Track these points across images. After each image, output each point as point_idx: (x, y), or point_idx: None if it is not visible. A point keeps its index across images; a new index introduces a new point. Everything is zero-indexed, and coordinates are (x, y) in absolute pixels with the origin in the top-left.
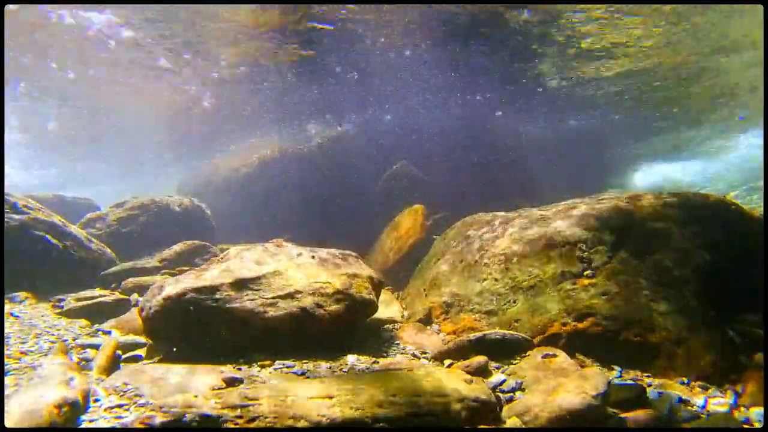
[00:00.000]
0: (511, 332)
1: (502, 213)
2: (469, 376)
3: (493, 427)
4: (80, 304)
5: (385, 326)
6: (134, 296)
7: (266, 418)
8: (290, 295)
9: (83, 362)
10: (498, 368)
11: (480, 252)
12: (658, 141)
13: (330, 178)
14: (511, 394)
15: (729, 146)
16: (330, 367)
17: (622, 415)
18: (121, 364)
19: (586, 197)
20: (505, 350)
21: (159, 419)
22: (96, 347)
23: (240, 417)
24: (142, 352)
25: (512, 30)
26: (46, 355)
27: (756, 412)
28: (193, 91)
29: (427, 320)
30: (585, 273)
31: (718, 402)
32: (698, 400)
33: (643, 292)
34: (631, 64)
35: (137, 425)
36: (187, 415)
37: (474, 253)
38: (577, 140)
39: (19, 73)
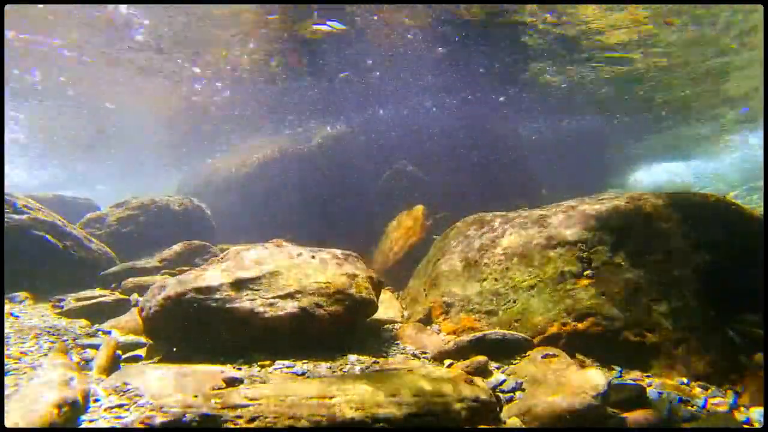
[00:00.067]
0: (511, 332)
1: (502, 213)
2: (469, 376)
3: (493, 427)
4: (80, 304)
5: (385, 326)
6: (134, 296)
7: (266, 418)
8: (290, 295)
9: (83, 362)
10: (498, 368)
11: (480, 252)
12: (658, 140)
13: (330, 178)
14: (511, 394)
15: (729, 146)
16: (330, 367)
17: (622, 415)
18: (121, 364)
19: (586, 197)
20: (505, 350)
21: (159, 419)
22: (96, 347)
23: (240, 417)
24: (142, 352)
25: (512, 30)
26: (46, 355)
27: (756, 412)
28: (194, 90)
29: (427, 320)
30: (585, 273)
31: (718, 402)
32: (698, 400)
33: (643, 292)
34: (632, 63)
35: (137, 425)
36: (187, 415)
37: (474, 253)
38: (577, 140)
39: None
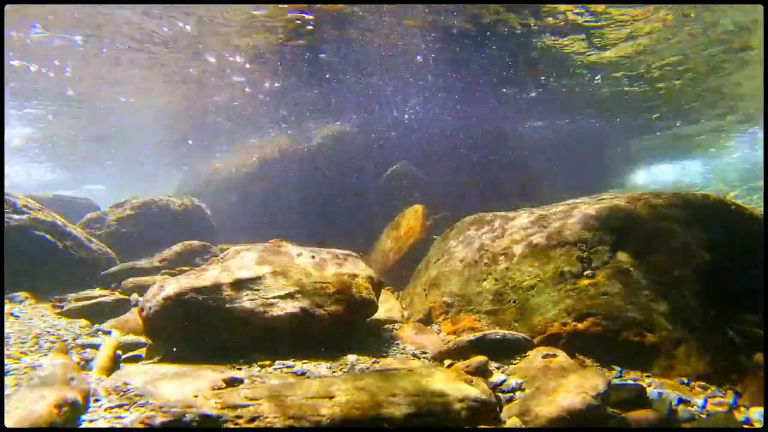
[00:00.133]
0: (511, 332)
1: (502, 213)
2: (469, 376)
3: (493, 427)
4: (80, 304)
5: (385, 326)
6: (134, 296)
7: (266, 418)
8: (290, 295)
9: (83, 362)
10: (498, 368)
11: (480, 252)
12: (658, 141)
13: (330, 178)
14: (511, 394)
15: (729, 146)
16: (330, 367)
17: (623, 415)
18: (121, 364)
19: (586, 197)
20: (505, 350)
21: (159, 419)
22: (96, 347)
23: (240, 417)
24: (142, 352)
25: (513, 30)
26: (46, 355)
27: (756, 412)
28: (194, 90)
29: (427, 320)
30: (585, 273)
31: (718, 402)
32: (698, 400)
33: (643, 292)
34: (632, 64)
35: (137, 425)
36: (187, 415)
37: (474, 253)
38: (577, 140)
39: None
